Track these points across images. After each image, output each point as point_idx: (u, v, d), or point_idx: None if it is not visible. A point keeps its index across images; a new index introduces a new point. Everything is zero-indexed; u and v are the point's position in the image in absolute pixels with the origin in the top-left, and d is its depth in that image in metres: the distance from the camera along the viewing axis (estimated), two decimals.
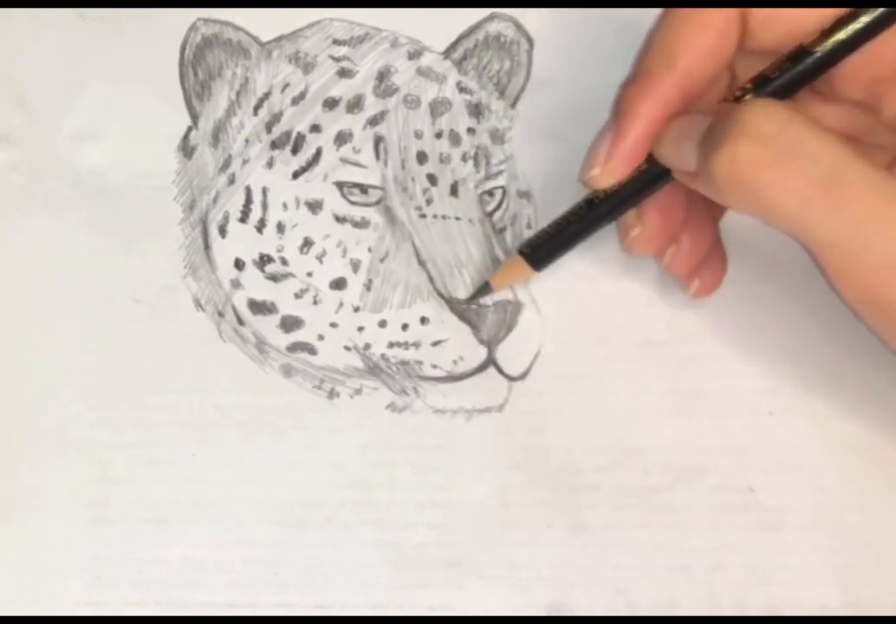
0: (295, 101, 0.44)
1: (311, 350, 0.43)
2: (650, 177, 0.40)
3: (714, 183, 0.36)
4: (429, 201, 0.44)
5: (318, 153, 0.44)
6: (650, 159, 0.39)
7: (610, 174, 0.39)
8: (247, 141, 0.44)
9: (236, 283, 0.44)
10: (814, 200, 0.34)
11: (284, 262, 0.43)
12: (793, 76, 0.38)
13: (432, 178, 0.44)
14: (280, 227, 0.44)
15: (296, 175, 0.44)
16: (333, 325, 0.43)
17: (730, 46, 0.38)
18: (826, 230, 0.34)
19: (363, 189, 0.44)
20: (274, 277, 0.43)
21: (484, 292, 0.43)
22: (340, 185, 0.44)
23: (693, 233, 0.41)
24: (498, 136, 0.46)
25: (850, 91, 0.38)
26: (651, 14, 0.43)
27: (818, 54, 0.37)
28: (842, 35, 0.37)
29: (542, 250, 0.42)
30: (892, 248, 0.34)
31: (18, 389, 0.42)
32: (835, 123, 0.39)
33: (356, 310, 0.43)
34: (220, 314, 0.43)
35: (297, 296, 0.43)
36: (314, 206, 0.44)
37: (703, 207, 0.42)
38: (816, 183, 0.34)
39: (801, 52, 0.38)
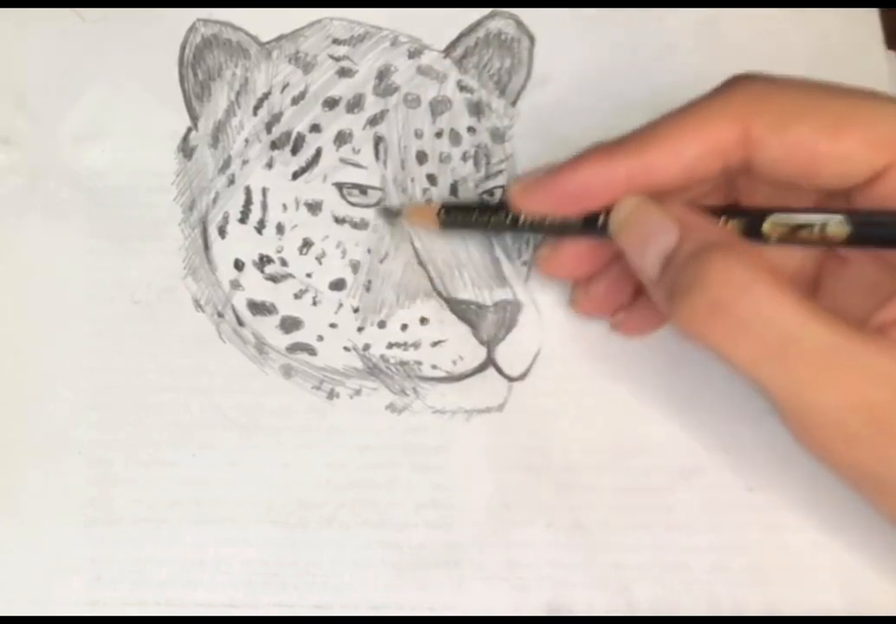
0: (295, 101, 0.44)
1: (311, 351, 0.43)
2: (573, 229, 0.40)
3: (674, 323, 0.37)
4: (429, 201, 0.44)
5: (318, 153, 0.44)
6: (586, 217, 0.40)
7: (525, 203, 0.40)
8: (246, 141, 0.44)
9: (236, 284, 0.44)
10: (764, 361, 0.35)
11: (284, 262, 0.44)
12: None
13: (432, 178, 0.44)
14: (280, 228, 0.44)
15: (295, 176, 0.44)
16: (333, 325, 0.43)
17: (709, 169, 0.38)
18: (776, 387, 0.36)
19: (363, 190, 0.44)
20: (273, 278, 0.44)
21: (391, 215, 0.44)
22: (340, 186, 0.44)
23: (609, 284, 0.42)
24: (499, 135, 0.46)
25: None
26: (651, 14, 0.43)
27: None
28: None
29: (456, 217, 0.42)
30: (834, 411, 0.35)
31: (18, 390, 0.42)
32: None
33: (355, 310, 0.43)
34: (220, 315, 0.43)
35: (297, 296, 0.43)
36: (314, 207, 0.44)
37: None
38: (768, 347, 0.35)
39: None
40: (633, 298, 0.43)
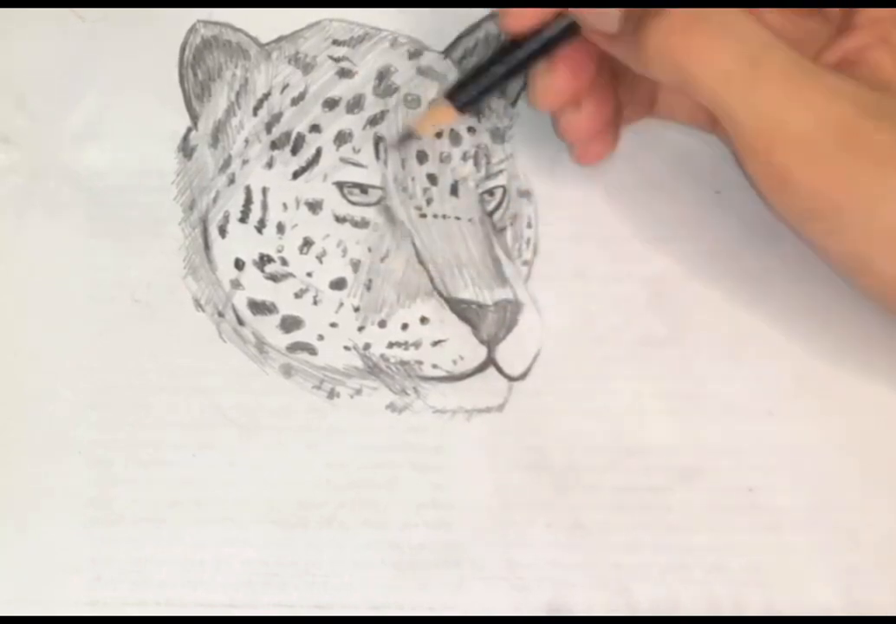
0: (294, 102, 0.44)
1: (311, 350, 0.43)
2: (560, 28, 0.41)
3: (641, 50, 0.37)
4: (429, 201, 0.44)
5: (318, 153, 0.44)
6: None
7: (517, 17, 0.40)
8: (246, 141, 0.44)
9: (236, 284, 0.44)
10: (736, 76, 0.36)
11: (284, 262, 0.43)
12: None
13: (432, 178, 0.44)
14: (280, 228, 0.44)
15: (295, 175, 0.44)
16: (333, 325, 0.43)
17: None
18: (744, 106, 0.36)
19: (363, 189, 0.44)
20: (274, 277, 0.44)
21: (410, 138, 0.44)
22: (340, 186, 0.44)
23: (595, 100, 0.42)
24: (498, 135, 0.46)
25: None
26: None
27: None
28: None
29: (464, 92, 0.43)
30: (804, 127, 0.36)
31: (18, 389, 0.42)
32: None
33: (356, 310, 0.43)
34: (220, 314, 0.43)
35: (297, 296, 0.43)
36: (314, 207, 0.44)
37: (608, 77, 0.42)
38: (742, 60, 0.35)
39: None
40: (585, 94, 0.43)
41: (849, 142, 0.36)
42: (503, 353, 0.43)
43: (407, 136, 0.44)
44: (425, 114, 0.44)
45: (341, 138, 0.44)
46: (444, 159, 0.45)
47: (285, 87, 0.45)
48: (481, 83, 0.43)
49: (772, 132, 0.36)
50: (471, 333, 0.43)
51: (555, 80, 0.42)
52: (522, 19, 0.41)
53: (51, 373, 0.42)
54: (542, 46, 0.41)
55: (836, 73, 0.36)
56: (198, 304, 0.43)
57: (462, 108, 0.43)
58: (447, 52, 0.46)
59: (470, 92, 0.43)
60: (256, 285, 0.44)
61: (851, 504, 0.43)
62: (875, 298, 0.39)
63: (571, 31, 0.41)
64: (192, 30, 0.45)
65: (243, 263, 0.44)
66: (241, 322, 0.43)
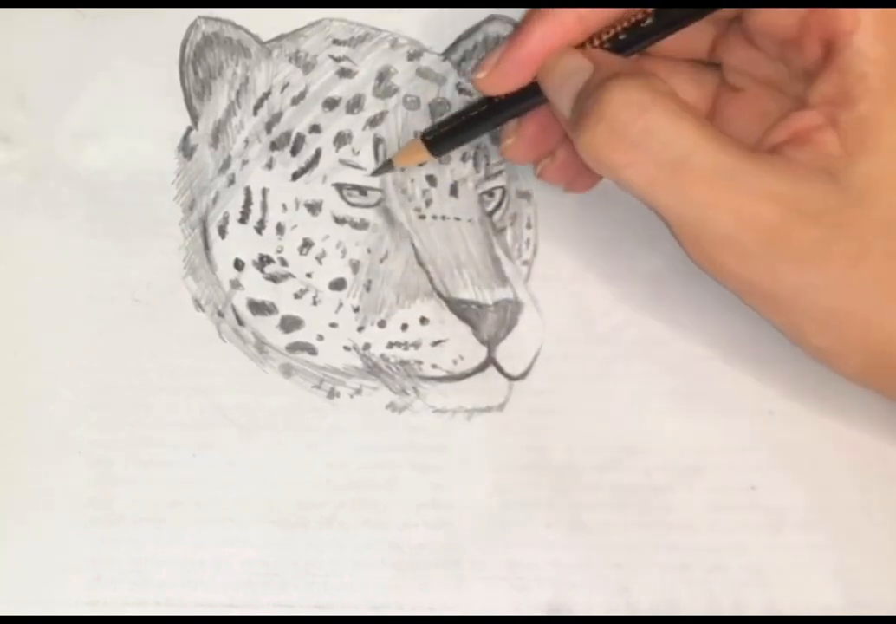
0: (295, 101, 0.44)
1: (311, 350, 0.43)
2: (533, 92, 0.41)
3: (578, 152, 0.38)
4: (428, 202, 0.44)
5: (318, 154, 0.44)
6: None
7: (494, 81, 0.41)
8: (246, 141, 0.44)
9: (236, 284, 0.44)
10: (660, 182, 0.37)
11: (284, 262, 0.43)
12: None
13: (431, 179, 0.44)
14: (279, 229, 0.44)
15: (295, 176, 0.44)
16: (333, 325, 0.43)
17: None
18: (671, 208, 0.37)
19: (362, 191, 0.44)
20: (273, 278, 0.43)
21: (387, 169, 0.44)
22: (340, 187, 0.44)
23: (568, 151, 0.42)
24: (497, 137, 0.46)
25: (764, 45, 0.40)
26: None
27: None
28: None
29: (440, 138, 0.43)
30: (726, 229, 0.37)
31: (18, 390, 0.42)
32: (761, 70, 0.41)
33: (356, 310, 0.43)
34: (220, 314, 0.43)
35: (297, 296, 0.43)
36: (314, 208, 0.44)
37: None
38: (664, 166, 0.36)
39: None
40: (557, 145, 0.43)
41: (770, 241, 0.37)
42: (503, 352, 0.43)
43: (386, 167, 0.44)
44: (403, 150, 0.44)
45: (341, 139, 0.44)
46: (444, 160, 0.45)
47: (286, 86, 0.45)
48: (457, 134, 0.43)
49: (697, 231, 0.37)
50: (471, 333, 0.43)
51: (522, 139, 0.42)
52: (497, 87, 0.41)
53: (51, 373, 0.42)
54: (517, 107, 0.42)
55: (765, 167, 0.37)
56: (198, 305, 0.43)
57: (436, 152, 0.43)
58: (447, 54, 0.46)
59: (444, 141, 0.43)
60: (256, 286, 0.44)
61: (851, 504, 0.43)
62: (820, 362, 0.40)
63: (546, 97, 0.41)
64: (193, 26, 0.45)
65: (243, 264, 0.44)
66: (240, 322, 0.43)
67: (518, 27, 0.40)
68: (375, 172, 0.44)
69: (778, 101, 0.40)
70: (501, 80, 0.41)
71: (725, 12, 0.39)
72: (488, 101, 0.42)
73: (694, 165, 0.36)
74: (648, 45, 0.40)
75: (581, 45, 0.40)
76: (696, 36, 0.41)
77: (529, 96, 0.41)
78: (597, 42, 0.40)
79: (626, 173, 0.37)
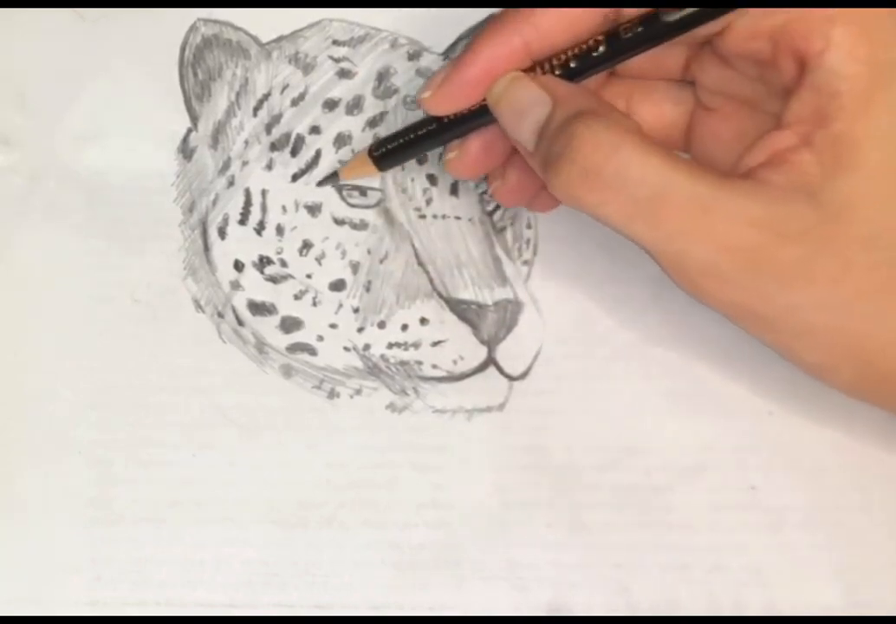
0: (294, 103, 0.45)
1: (311, 351, 0.43)
2: (482, 113, 0.40)
3: (551, 191, 0.38)
4: (428, 201, 0.44)
5: (318, 155, 0.44)
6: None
7: (439, 101, 0.40)
8: (246, 143, 0.44)
9: (236, 285, 0.44)
10: (637, 217, 0.37)
11: (284, 263, 0.44)
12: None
13: (432, 179, 0.44)
14: (279, 230, 0.44)
15: (295, 178, 0.44)
16: (333, 326, 0.43)
17: (592, 22, 0.39)
18: (650, 241, 0.37)
19: (362, 191, 0.44)
20: (273, 279, 0.44)
21: (332, 180, 0.44)
22: (339, 188, 0.44)
23: (520, 172, 0.42)
24: None
25: (739, 65, 0.40)
26: None
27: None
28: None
29: (386, 152, 0.42)
30: (706, 257, 0.37)
31: (18, 390, 0.42)
32: (736, 89, 0.40)
33: (356, 311, 0.43)
34: (220, 315, 0.43)
35: (297, 297, 0.43)
36: (313, 209, 0.44)
37: None
38: (640, 203, 0.36)
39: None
40: (506, 164, 0.42)
41: (752, 265, 0.37)
42: (503, 353, 0.43)
43: (332, 178, 0.44)
44: (349, 163, 0.44)
45: (340, 140, 0.44)
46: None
47: (285, 87, 0.45)
48: (405, 150, 0.42)
49: (679, 260, 0.37)
50: (471, 333, 0.43)
51: (466, 155, 0.42)
52: (442, 108, 0.40)
53: (51, 373, 0.42)
54: (465, 126, 0.41)
55: (740, 193, 0.37)
56: (198, 305, 0.44)
57: (382, 167, 0.43)
58: (446, 54, 0.46)
59: (390, 156, 0.42)
60: (256, 286, 0.44)
61: (851, 504, 0.43)
62: (814, 377, 0.40)
63: (493, 118, 0.40)
64: (193, 28, 0.45)
65: (243, 265, 0.44)
66: (240, 323, 0.43)
67: (465, 48, 0.40)
68: (320, 183, 0.44)
69: (754, 120, 0.40)
70: (446, 101, 0.40)
71: (694, 36, 0.38)
72: (437, 119, 0.41)
73: (670, 199, 0.36)
74: (600, 71, 0.39)
75: (531, 69, 0.39)
76: (668, 56, 0.41)
77: (478, 116, 0.40)
78: (547, 66, 0.39)
79: (604, 211, 0.37)
